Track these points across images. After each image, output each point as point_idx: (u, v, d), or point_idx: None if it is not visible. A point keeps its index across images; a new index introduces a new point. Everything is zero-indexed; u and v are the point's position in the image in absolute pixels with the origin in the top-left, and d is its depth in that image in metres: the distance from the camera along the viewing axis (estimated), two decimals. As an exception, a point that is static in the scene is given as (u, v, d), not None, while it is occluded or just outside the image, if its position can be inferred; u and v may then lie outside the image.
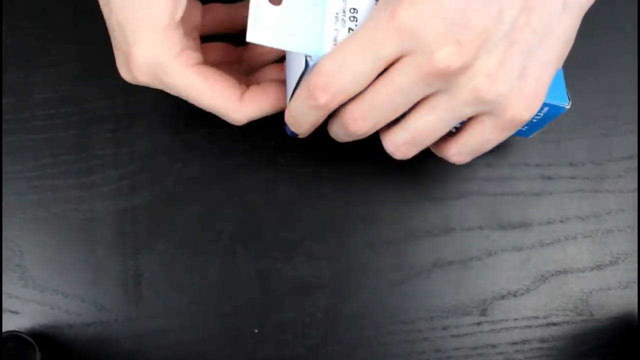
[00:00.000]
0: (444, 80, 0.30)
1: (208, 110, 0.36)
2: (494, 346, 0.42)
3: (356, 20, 0.33)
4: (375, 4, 0.33)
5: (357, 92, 0.31)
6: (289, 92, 0.35)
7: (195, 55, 0.35)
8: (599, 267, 0.42)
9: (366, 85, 0.31)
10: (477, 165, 0.43)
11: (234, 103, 0.35)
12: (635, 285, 0.42)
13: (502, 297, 0.42)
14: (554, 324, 0.42)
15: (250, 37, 0.32)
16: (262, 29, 0.33)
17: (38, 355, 0.38)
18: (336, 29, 0.33)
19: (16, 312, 0.43)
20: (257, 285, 0.43)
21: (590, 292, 0.42)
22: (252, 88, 0.36)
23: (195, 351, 0.42)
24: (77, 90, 0.45)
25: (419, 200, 0.43)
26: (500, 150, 0.43)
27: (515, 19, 0.29)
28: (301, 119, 0.33)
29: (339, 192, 0.43)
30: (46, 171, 0.44)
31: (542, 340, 0.42)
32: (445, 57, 0.29)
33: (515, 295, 0.42)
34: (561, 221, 0.43)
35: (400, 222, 0.43)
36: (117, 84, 0.44)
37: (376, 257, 0.43)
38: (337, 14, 0.33)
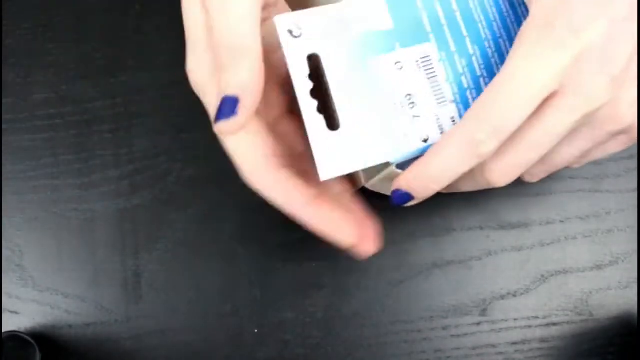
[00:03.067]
0: (592, 116, 0.30)
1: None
2: (494, 346, 0.42)
3: (416, 106, 0.32)
4: (429, 81, 0.33)
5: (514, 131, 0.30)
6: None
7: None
8: (599, 267, 0.42)
9: (521, 124, 0.29)
10: (477, 165, 0.43)
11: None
12: (635, 285, 0.42)
13: (502, 297, 0.42)
14: (554, 324, 0.42)
15: (325, 175, 0.31)
16: (333, 162, 0.31)
17: (38, 355, 0.38)
18: (401, 124, 0.32)
19: (16, 312, 0.43)
20: (257, 285, 0.43)
21: (590, 292, 0.42)
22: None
23: (195, 351, 0.42)
24: (77, 90, 0.45)
25: (419, 200, 0.43)
26: (500, 150, 0.43)
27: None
28: (449, 175, 0.31)
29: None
30: (46, 171, 0.44)
31: (542, 340, 0.42)
32: (602, 95, 0.29)
33: (515, 295, 0.42)
34: (561, 221, 0.43)
35: (400, 222, 0.43)
36: (117, 84, 0.44)
37: (376, 257, 0.43)
38: (395, 109, 0.32)
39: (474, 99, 0.33)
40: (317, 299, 0.42)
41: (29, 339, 0.38)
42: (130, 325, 0.43)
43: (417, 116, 0.32)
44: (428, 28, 0.33)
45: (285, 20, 0.32)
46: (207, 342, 0.42)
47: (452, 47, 0.33)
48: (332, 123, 0.32)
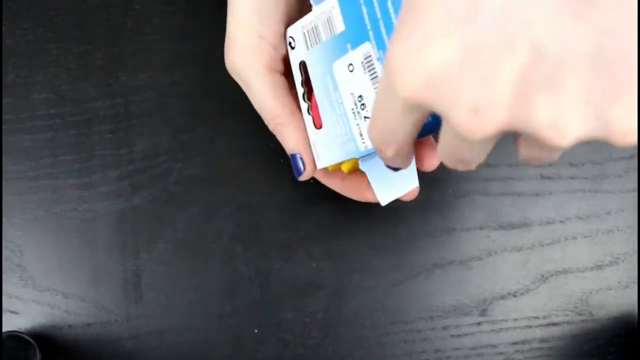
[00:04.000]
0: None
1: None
2: (494, 346, 0.42)
3: (366, 107, 0.33)
4: (371, 82, 0.33)
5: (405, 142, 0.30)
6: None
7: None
8: (599, 267, 0.42)
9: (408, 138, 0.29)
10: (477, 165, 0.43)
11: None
12: (635, 285, 0.42)
13: (502, 297, 0.42)
14: (554, 324, 0.42)
15: (318, 165, 0.36)
16: (321, 154, 0.36)
17: (38, 355, 0.38)
18: (357, 124, 0.34)
19: (16, 312, 0.43)
20: (257, 285, 0.43)
21: (590, 292, 0.42)
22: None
23: (195, 351, 0.42)
24: (77, 90, 0.45)
25: (419, 201, 0.43)
26: (500, 150, 0.43)
27: None
28: (388, 162, 0.32)
29: (339, 193, 0.43)
30: (46, 171, 0.44)
31: (542, 340, 0.42)
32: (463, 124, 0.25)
33: (515, 295, 0.42)
34: (561, 221, 0.43)
35: (400, 222, 0.43)
36: (117, 84, 0.44)
37: (376, 257, 0.43)
38: (352, 109, 0.34)
39: None
40: (317, 299, 0.42)
41: (29, 339, 0.38)
42: (130, 325, 0.43)
43: (368, 117, 0.33)
44: (368, 25, 0.33)
45: (287, 34, 0.36)
46: (207, 342, 0.42)
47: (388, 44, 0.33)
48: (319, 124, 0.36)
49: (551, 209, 0.43)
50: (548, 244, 0.43)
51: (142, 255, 0.43)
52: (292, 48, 0.36)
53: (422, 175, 0.41)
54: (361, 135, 0.33)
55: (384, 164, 0.33)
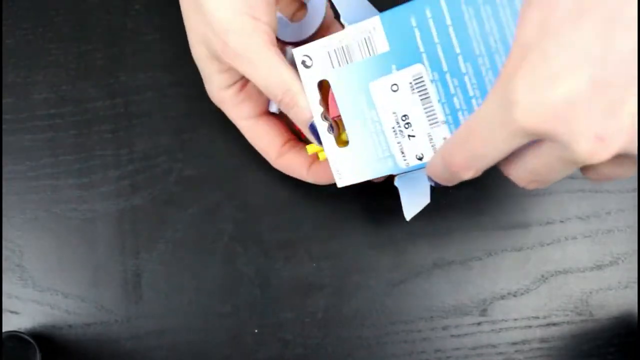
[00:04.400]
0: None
1: None
2: (494, 346, 0.42)
3: (411, 126, 0.35)
4: (421, 102, 0.34)
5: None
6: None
7: (249, 109, 0.40)
8: (599, 267, 0.42)
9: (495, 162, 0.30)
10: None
11: (268, 159, 0.41)
12: (635, 285, 0.42)
13: (502, 297, 0.42)
14: (554, 324, 0.42)
15: (340, 183, 0.36)
16: (345, 173, 0.36)
17: (38, 355, 0.38)
18: (399, 142, 0.35)
19: (16, 312, 0.43)
20: (257, 285, 0.43)
21: (590, 292, 0.42)
22: (288, 156, 0.40)
23: (195, 351, 0.42)
24: (77, 90, 0.45)
25: (419, 200, 0.43)
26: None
27: None
28: (445, 183, 0.33)
29: (339, 192, 0.43)
30: (46, 171, 0.44)
31: (542, 340, 0.42)
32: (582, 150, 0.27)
33: (515, 295, 0.42)
34: (561, 221, 0.43)
35: (400, 222, 0.43)
36: (117, 84, 0.44)
37: (376, 257, 0.43)
38: (393, 128, 0.35)
39: (465, 119, 0.33)
40: (317, 299, 0.42)
41: (29, 339, 0.38)
42: (130, 325, 0.43)
43: (413, 135, 0.35)
44: (421, 47, 0.34)
45: (299, 53, 0.36)
46: (207, 342, 0.42)
47: (445, 67, 0.34)
48: (343, 143, 0.36)
49: (551, 209, 0.43)
50: (548, 244, 0.43)
51: (142, 255, 0.43)
52: (307, 67, 0.36)
53: (422, 175, 0.41)
54: (402, 152, 0.35)
55: (432, 181, 0.34)
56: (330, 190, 0.43)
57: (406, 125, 0.35)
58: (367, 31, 0.35)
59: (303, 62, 0.36)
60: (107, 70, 0.44)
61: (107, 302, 0.43)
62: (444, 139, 0.34)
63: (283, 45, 0.40)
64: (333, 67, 0.36)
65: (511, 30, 0.32)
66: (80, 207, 0.44)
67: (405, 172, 0.36)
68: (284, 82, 0.36)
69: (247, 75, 0.37)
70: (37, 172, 0.44)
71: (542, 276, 0.42)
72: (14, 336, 0.38)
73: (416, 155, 0.35)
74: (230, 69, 0.38)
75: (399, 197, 0.39)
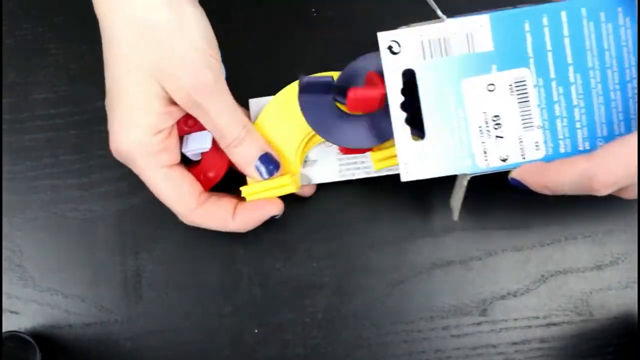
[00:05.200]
0: None
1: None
2: (494, 346, 0.42)
3: (501, 127, 0.35)
4: (518, 105, 0.35)
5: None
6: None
7: (169, 157, 0.38)
8: (599, 267, 0.42)
9: None
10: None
11: (185, 210, 0.38)
12: (635, 285, 0.42)
13: (502, 297, 0.42)
14: (554, 324, 0.42)
15: (405, 178, 0.36)
16: (413, 167, 0.35)
17: (38, 355, 0.38)
18: (483, 142, 0.35)
19: (16, 312, 0.43)
20: (257, 285, 0.43)
21: (590, 292, 0.42)
22: (208, 204, 0.39)
23: (195, 351, 0.42)
24: (77, 90, 0.45)
25: (419, 201, 0.43)
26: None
27: None
28: (559, 191, 0.35)
29: (339, 192, 0.43)
30: (46, 171, 0.44)
31: (542, 340, 0.42)
32: None
33: (515, 295, 0.42)
34: (561, 221, 0.43)
35: (400, 222, 0.43)
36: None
37: (376, 257, 0.43)
38: (480, 127, 0.35)
39: (564, 127, 0.35)
40: (317, 299, 0.42)
41: (29, 339, 0.38)
42: (130, 325, 0.43)
43: (501, 137, 0.35)
44: (530, 53, 0.34)
45: (386, 37, 0.35)
46: (207, 342, 0.42)
47: (552, 74, 0.34)
48: (419, 133, 0.35)
49: (551, 209, 0.43)
50: (548, 244, 0.43)
51: (142, 255, 0.43)
52: (394, 53, 0.35)
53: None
54: (485, 152, 0.35)
55: (520, 183, 0.35)
56: (330, 190, 0.43)
57: (496, 126, 0.35)
58: (471, 27, 0.35)
59: (390, 48, 0.35)
60: (107, 70, 0.44)
61: (107, 302, 0.43)
62: (536, 143, 0.35)
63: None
64: (424, 57, 0.35)
65: (629, 50, 0.34)
66: (80, 207, 0.44)
67: (478, 174, 0.36)
68: (243, 119, 0.38)
69: (210, 114, 0.36)
70: (37, 172, 0.44)
71: (542, 276, 0.42)
72: (14, 336, 0.38)
73: (500, 157, 0.35)
74: (167, 112, 0.37)
75: (399, 197, 0.40)
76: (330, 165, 0.42)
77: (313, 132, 0.40)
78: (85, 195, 0.44)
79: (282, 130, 0.40)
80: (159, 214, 0.43)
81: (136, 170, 0.38)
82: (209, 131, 0.38)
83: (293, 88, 0.41)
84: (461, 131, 0.35)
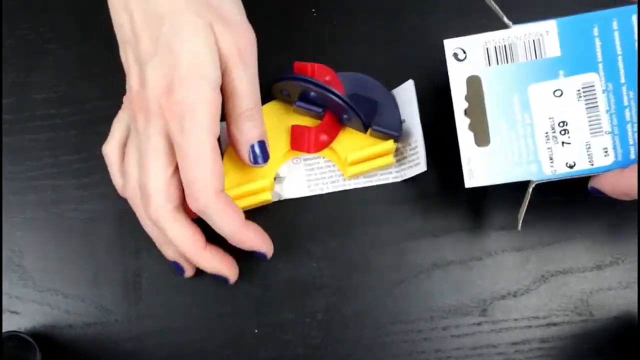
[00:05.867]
0: None
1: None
2: (494, 346, 0.42)
3: (568, 133, 0.35)
4: (586, 110, 0.35)
5: None
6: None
7: (218, 126, 0.36)
8: (599, 267, 0.42)
9: None
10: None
11: (216, 186, 0.36)
12: (635, 285, 0.42)
13: (502, 297, 0.42)
14: (554, 324, 0.42)
15: (469, 184, 0.36)
16: (478, 174, 0.36)
17: (38, 355, 0.38)
18: (549, 148, 0.35)
19: (16, 312, 0.43)
20: (257, 285, 0.43)
21: (590, 292, 0.42)
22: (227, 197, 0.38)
23: (195, 351, 0.42)
24: (77, 90, 0.45)
25: (419, 201, 0.43)
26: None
27: None
28: (634, 196, 0.34)
29: (339, 192, 0.43)
30: (46, 171, 0.44)
31: (542, 340, 0.42)
32: None
33: (515, 295, 0.42)
34: (561, 221, 0.43)
35: (400, 222, 0.43)
36: (117, 84, 0.44)
37: (376, 257, 0.43)
38: (546, 133, 0.35)
39: (634, 133, 0.35)
40: (317, 299, 0.42)
41: (29, 339, 0.38)
42: (130, 325, 0.43)
43: (568, 143, 0.35)
44: (599, 57, 0.34)
45: (452, 44, 0.36)
46: (207, 342, 0.42)
47: (622, 79, 0.34)
48: (482, 139, 0.36)
49: (551, 209, 0.43)
50: (548, 244, 0.43)
51: (142, 255, 0.43)
52: (459, 60, 0.36)
53: (422, 175, 0.41)
54: (551, 159, 0.35)
55: (626, 197, 0.35)
56: (330, 190, 0.43)
57: (562, 132, 0.34)
58: (538, 33, 0.35)
59: (455, 55, 0.36)
60: (107, 70, 0.44)
61: (107, 302, 0.43)
62: (605, 149, 0.35)
63: None
64: (489, 64, 0.35)
65: None
66: (80, 207, 0.44)
67: (545, 181, 0.36)
68: (259, 96, 0.38)
69: (247, 75, 0.37)
70: (37, 172, 0.44)
71: (542, 276, 0.42)
72: (14, 336, 0.38)
73: (567, 163, 0.35)
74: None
75: (399, 197, 0.40)
76: (298, 181, 0.43)
77: (286, 150, 0.42)
78: (85, 195, 0.44)
79: None
80: (159, 214, 0.43)
81: (186, 132, 0.35)
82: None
83: (265, 109, 0.41)
84: (527, 137, 0.35)
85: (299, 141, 0.41)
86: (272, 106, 0.42)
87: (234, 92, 0.37)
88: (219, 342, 0.42)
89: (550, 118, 0.35)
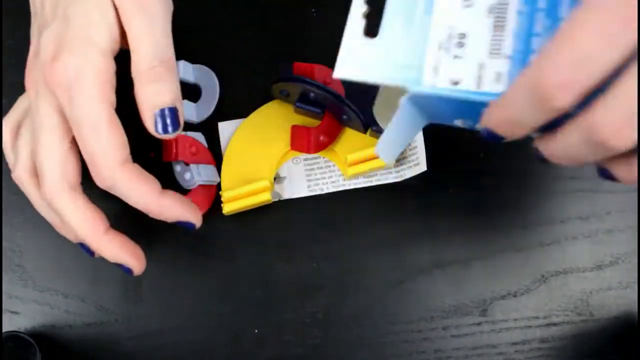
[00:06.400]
0: None
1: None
2: (494, 346, 0.42)
3: (464, 47, 0.30)
4: (493, 27, 0.30)
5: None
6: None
7: (113, 97, 0.34)
8: (599, 267, 0.42)
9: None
10: (477, 165, 0.43)
11: (114, 161, 0.34)
12: (635, 285, 0.42)
13: (502, 297, 0.42)
14: (554, 324, 0.42)
15: (337, 74, 0.31)
16: (352, 65, 0.31)
17: (38, 355, 0.38)
18: (438, 58, 0.30)
19: (16, 312, 0.43)
20: (257, 285, 0.43)
21: (590, 292, 0.42)
22: (138, 167, 0.35)
23: (195, 351, 0.42)
24: (77, 90, 0.45)
25: (419, 200, 0.43)
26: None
27: None
28: (521, 124, 0.27)
29: (339, 192, 0.43)
30: (46, 171, 0.44)
31: (542, 340, 0.42)
32: None
33: (515, 295, 0.42)
34: (561, 221, 0.43)
35: (400, 222, 0.43)
36: (117, 84, 0.44)
37: (376, 257, 0.43)
38: (441, 41, 0.31)
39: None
40: (317, 299, 0.42)
41: (29, 339, 0.38)
42: (130, 325, 0.43)
43: (460, 57, 0.30)
44: None
45: None
46: (207, 342, 0.42)
47: (541, 4, 0.30)
48: (372, 30, 0.31)
49: (551, 209, 0.43)
50: (548, 244, 0.43)
51: (142, 255, 0.43)
52: None
53: (422, 175, 0.41)
54: (436, 70, 0.30)
55: (489, 129, 0.29)
56: (330, 190, 0.43)
57: (459, 44, 0.30)
58: None
59: None
60: (107, 70, 0.44)
61: (107, 302, 0.43)
62: (497, 73, 0.29)
63: None
64: None
65: None
66: (80, 207, 0.44)
67: (417, 95, 0.30)
68: (169, 53, 0.35)
69: (142, 26, 0.34)
70: (37, 172, 0.44)
71: (542, 276, 0.42)
72: (14, 336, 0.38)
73: (451, 79, 0.30)
74: (118, 33, 0.34)
75: (399, 197, 0.40)
76: (298, 181, 0.43)
77: (286, 151, 0.42)
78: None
79: (257, 151, 0.41)
80: (159, 214, 0.43)
81: (75, 101, 0.32)
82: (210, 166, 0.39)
83: (265, 109, 0.41)
84: (418, 40, 0.31)
85: (299, 142, 0.41)
86: (272, 106, 0.42)
87: (133, 48, 0.33)
88: (219, 342, 0.42)
89: (451, 27, 0.30)
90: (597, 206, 0.43)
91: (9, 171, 0.44)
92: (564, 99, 0.23)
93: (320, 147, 0.41)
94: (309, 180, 0.43)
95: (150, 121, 0.34)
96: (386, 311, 0.42)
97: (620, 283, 0.42)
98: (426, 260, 0.43)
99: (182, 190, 0.42)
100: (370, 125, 0.40)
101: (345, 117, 0.40)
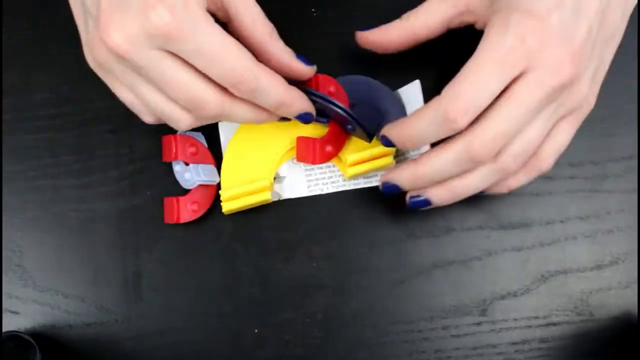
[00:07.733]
0: (561, 92, 0.34)
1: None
2: (494, 346, 0.42)
3: None
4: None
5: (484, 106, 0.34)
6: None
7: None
8: (599, 267, 0.42)
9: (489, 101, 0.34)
10: (477, 165, 0.43)
11: (252, 60, 0.34)
12: (635, 285, 0.42)
13: (502, 297, 0.42)
14: (554, 324, 0.42)
15: None
16: None
17: (38, 355, 0.38)
18: None
19: (16, 312, 0.43)
20: (257, 285, 0.43)
21: (590, 292, 0.42)
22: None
23: (195, 351, 0.42)
24: (77, 90, 0.45)
25: (419, 200, 0.43)
26: (500, 150, 0.43)
27: (597, 30, 0.34)
28: (423, 141, 0.36)
29: (339, 192, 0.43)
30: (46, 171, 0.44)
31: (542, 340, 0.42)
32: (565, 69, 0.33)
33: (515, 295, 0.42)
34: (561, 221, 0.43)
35: (400, 222, 0.43)
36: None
37: (376, 257, 0.43)
38: None
39: None
40: (317, 299, 0.42)
41: (29, 339, 0.38)
42: (130, 325, 0.43)
43: None
44: None
45: None
46: (207, 342, 0.42)
47: None
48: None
49: (551, 209, 0.43)
50: (548, 244, 0.43)
51: (142, 255, 0.43)
52: None
53: (422, 175, 0.41)
54: None
55: (409, 144, 0.37)
56: (330, 190, 0.43)
57: None
58: None
59: None
60: (107, 70, 0.44)
61: (107, 302, 0.43)
62: None
63: None
64: None
65: None
66: (80, 207, 0.44)
67: None
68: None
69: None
70: (37, 172, 0.44)
71: (542, 276, 0.42)
72: (14, 336, 0.38)
73: None
74: None
75: (398, 198, 0.40)
76: (298, 181, 0.43)
77: (286, 150, 0.42)
78: (85, 195, 0.44)
79: (257, 151, 0.41)
80: (159, 214, 0.43)
81: (189, 34, 0.32)
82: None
83: None
84: None
85: (305, 153, 0.41)
86: None
87: (241, 19, 0.37)
88: (219, 342, 0.42)
89: None
90: (597, 206, 0.43)
91: (8, 171, 0.44)
92: (463, 120, 0.33)
93: (326, 157, 0.41)
94: (309, 180, 0.43)
95: (297, 63, 0.38)
96: (386, 311, 0.42)
97: (620, 283, 0.42)
98: (426, 260, 0.43)
99: (182, 191, 0.43)
100: (374, 135, 0.40)
101: (350, 127, 0.40)
